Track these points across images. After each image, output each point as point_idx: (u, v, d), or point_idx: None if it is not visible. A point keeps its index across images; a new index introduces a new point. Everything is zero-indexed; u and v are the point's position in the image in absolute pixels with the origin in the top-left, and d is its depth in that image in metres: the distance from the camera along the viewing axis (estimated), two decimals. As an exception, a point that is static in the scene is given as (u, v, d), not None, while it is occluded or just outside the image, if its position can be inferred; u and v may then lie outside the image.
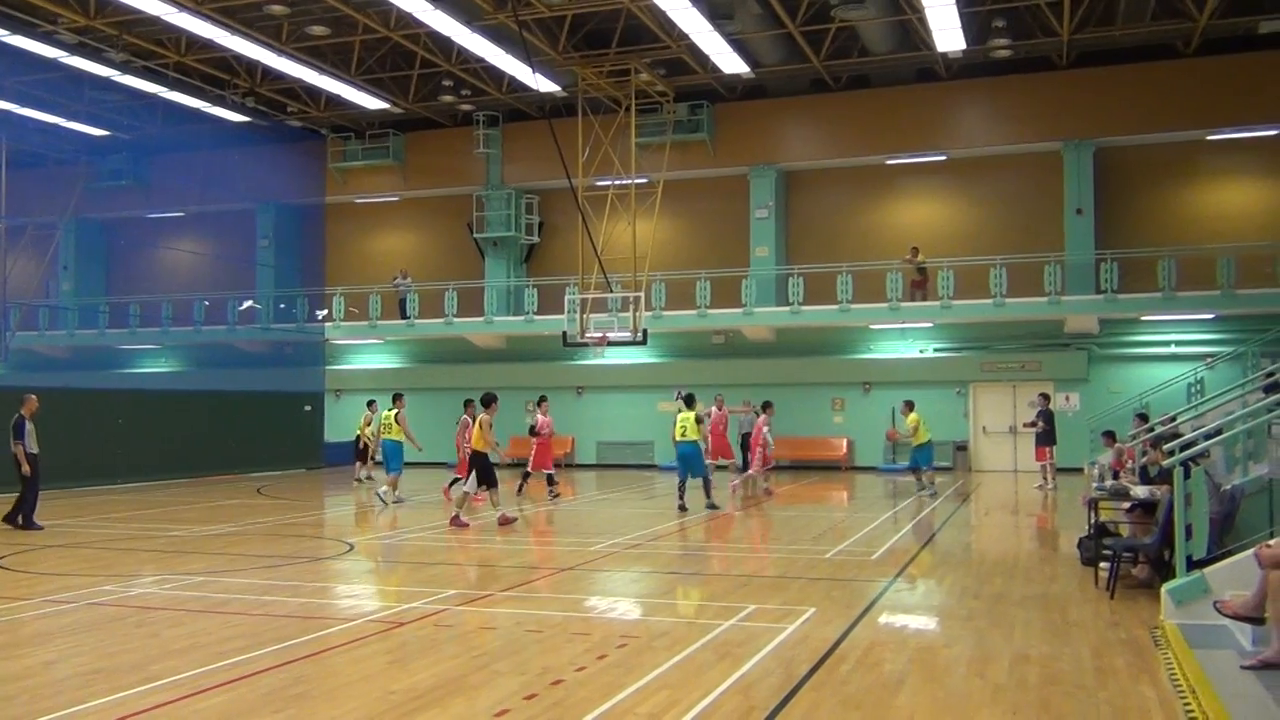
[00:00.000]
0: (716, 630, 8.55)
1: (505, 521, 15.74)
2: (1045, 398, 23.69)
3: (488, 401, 15.85)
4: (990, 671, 7.23)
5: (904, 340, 29.58)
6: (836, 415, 29.64)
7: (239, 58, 27.51)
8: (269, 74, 28.90)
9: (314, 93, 30.81)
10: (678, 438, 18.02)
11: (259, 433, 28.32)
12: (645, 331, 25.38)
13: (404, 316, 32.18)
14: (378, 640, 8.37)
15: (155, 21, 24.34)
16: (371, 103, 30.66)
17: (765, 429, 21.39)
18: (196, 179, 33.24)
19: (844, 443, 29.35)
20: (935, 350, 29.39)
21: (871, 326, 29.18)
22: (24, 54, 25.57)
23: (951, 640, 8.38)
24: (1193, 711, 6.24)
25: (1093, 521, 11.39)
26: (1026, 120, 28.41)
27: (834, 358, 29.89)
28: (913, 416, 20.41)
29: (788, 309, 28.78)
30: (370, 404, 23.58)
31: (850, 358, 29.91)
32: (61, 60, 26.50)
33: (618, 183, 27.04)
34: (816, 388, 29.64)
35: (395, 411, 19.63)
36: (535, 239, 33.23)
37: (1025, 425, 24.93)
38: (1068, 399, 27.55)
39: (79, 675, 7.25)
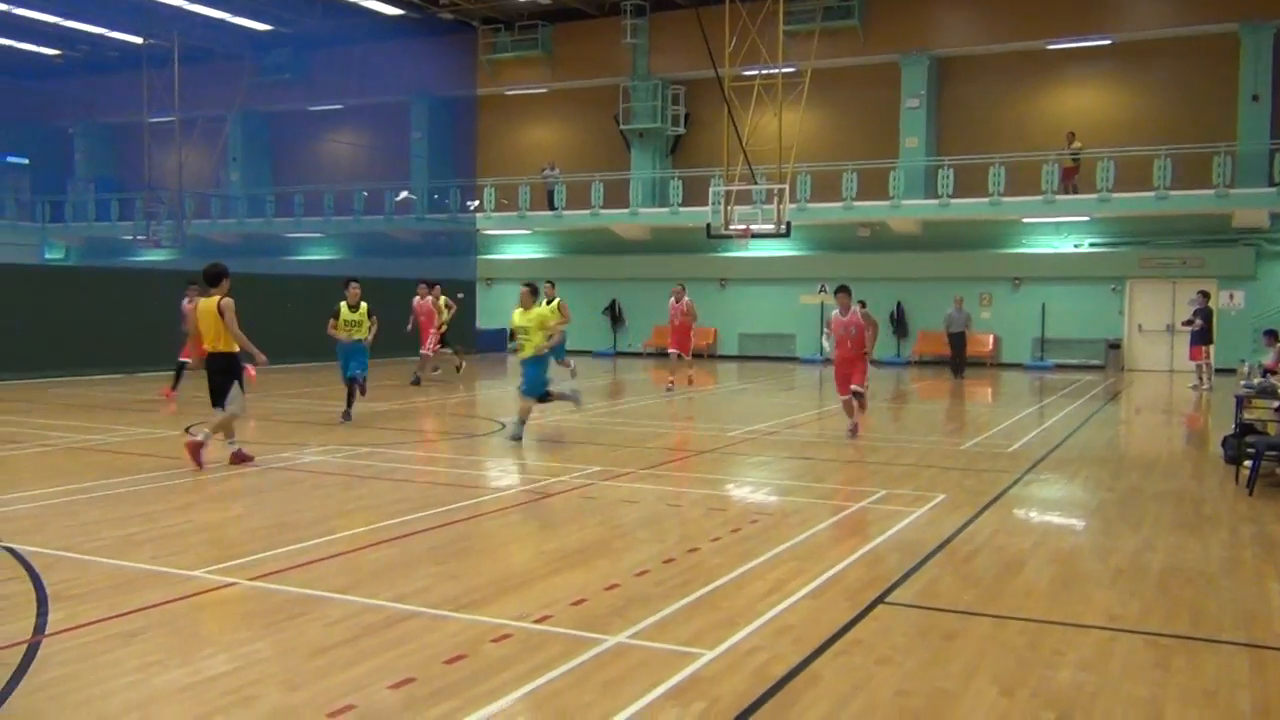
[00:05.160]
0: (847, 511, 8.93)
1: (240, 458, 10.98)
2: (1204, 295, 22.87)
3: (216, 277, 10.71)
4: (1113, 558, 7.40)
5: (1057, 235, 28.70)
6: (984, 311, 29.13)
7: (393, -49, 28.03)
8: (422, -34, 29.39)
9: (465, -16, 31.18)
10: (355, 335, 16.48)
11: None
12: (789, 224, 25.33)
13: (552, 208, 32.83)
14: (528, 508, 9.06)
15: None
16: (521, -7, 30.86)
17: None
18: (354, 73, 34.28)
19: (990, 339, 28.92)
20: (1090, 245, 28.45)
21: (1024, 220, 28.40)
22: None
23: (1077, 529, 8.54)
24: (1315, 602, 6.33)
25: (1238, 419, 11.22)
26: None
27: (983, 251, 29.25)
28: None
29: (936, 202, 28.24)
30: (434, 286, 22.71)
31: (1000, 252, 29.21)
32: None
33: (764, 72, 26.72)
34: (963, 283, 29.08)
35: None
36: (681, 130, 33.22)
37: (1183, 324, 24.13)
38: (1232, 297, 26.42)
39: (266, 527, 8.13)
